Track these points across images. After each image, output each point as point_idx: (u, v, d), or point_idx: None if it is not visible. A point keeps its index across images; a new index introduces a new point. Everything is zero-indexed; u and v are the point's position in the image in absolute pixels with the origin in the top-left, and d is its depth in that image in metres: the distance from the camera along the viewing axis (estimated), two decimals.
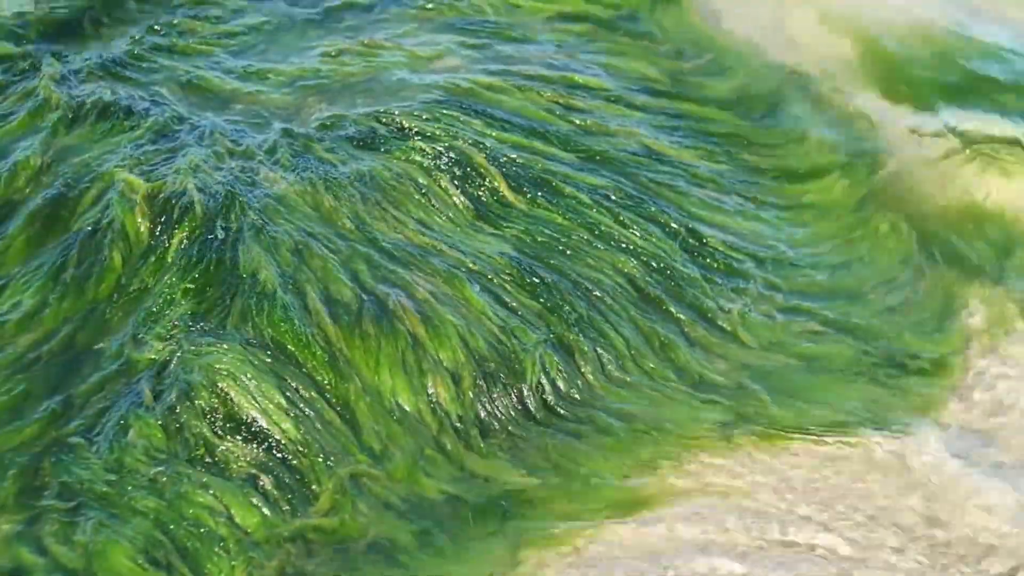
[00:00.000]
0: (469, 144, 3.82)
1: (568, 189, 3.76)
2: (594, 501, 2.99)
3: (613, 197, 3.77)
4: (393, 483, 2.99)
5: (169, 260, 3.39)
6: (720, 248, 3.72)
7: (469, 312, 3.34)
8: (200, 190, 3.54)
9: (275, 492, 2.92)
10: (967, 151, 4.24)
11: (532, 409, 3.21)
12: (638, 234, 3.69)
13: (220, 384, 3.06)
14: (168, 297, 3.30)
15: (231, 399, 3.05)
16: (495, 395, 3.21)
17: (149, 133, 3.83)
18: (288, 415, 3.04)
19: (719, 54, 4.66)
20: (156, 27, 4.47)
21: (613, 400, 3.27)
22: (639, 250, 3.64)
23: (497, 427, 3.17)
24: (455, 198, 3.69)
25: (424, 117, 3.91)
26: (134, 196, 3.51)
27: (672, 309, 3.52)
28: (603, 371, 3.33)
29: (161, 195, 3.53)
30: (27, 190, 3.64)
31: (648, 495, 3.00)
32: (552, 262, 3.55)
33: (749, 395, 3.30)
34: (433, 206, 3.66)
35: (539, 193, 3.74)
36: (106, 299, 3.33)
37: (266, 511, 2.88)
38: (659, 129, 4.15)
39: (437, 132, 3.84)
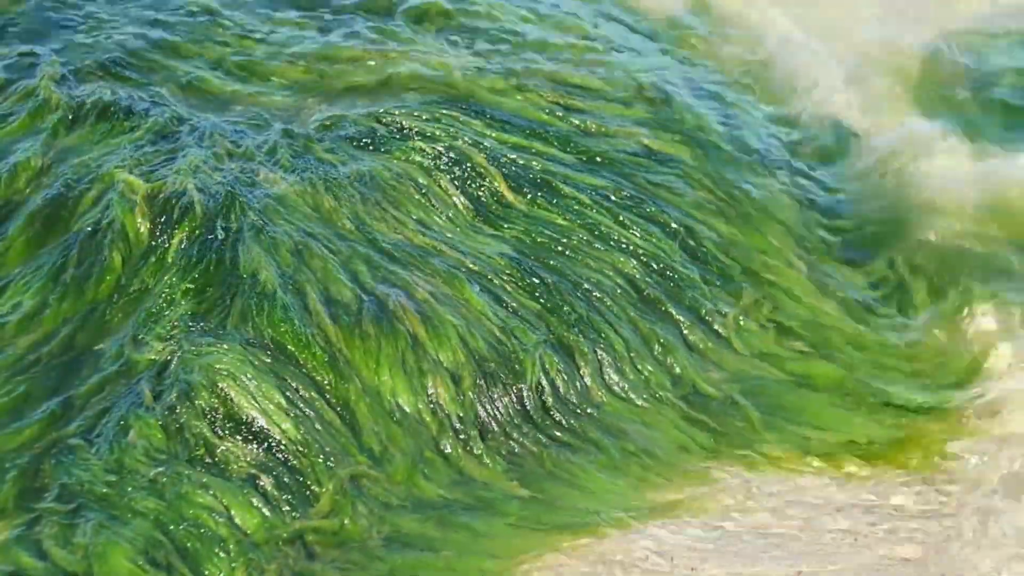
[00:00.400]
0: (469, 144, 3.82)
1: (568, 189, 3.76)
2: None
3: (613, 198, 3.77)
4: (393, 485, 2.99)
5: (169, 260, 3.38)
6: (716, 251, 3.73)
7: (469, 312, 3.34)
8: (200, 190, 3.53)
9: (275, 493, 2.92)
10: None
11: (531, 412, 3.21)
12: (638, 235, 3.69)
13: (220, 384, 3.05)
14: (168, 297, 3.29)
15: (231, 399, 3.04)
16: (495, 396, 3.21)
17: (149, 134, 3.82)
18: (288, 415, 3.04)
19: None
20: (156, 27, 4.46)
21: (608, 411, 3.27)
22: (639, 251, 3.64)
23: (496, 429, 3.17)
24: (455, 198, 3.69)
25: (424, 117, 3.90)
26: (134, 196, 3.50)
27: (671, 311, 3.53)
28: (601, 374, 3.33)
29: (161, 195, 3.52)
30: (27, 191, 3.64)
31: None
32: (552, 263, 3.55)
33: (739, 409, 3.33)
34: (433, 206, 3.66)
35: (539, 193, 3.74)
36: (106, 299, 3.33)
37: (266, 512, 2.88)
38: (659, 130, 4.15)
39: (437, 132, 3.84)
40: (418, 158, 3.76)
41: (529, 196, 3.73)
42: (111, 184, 3.55)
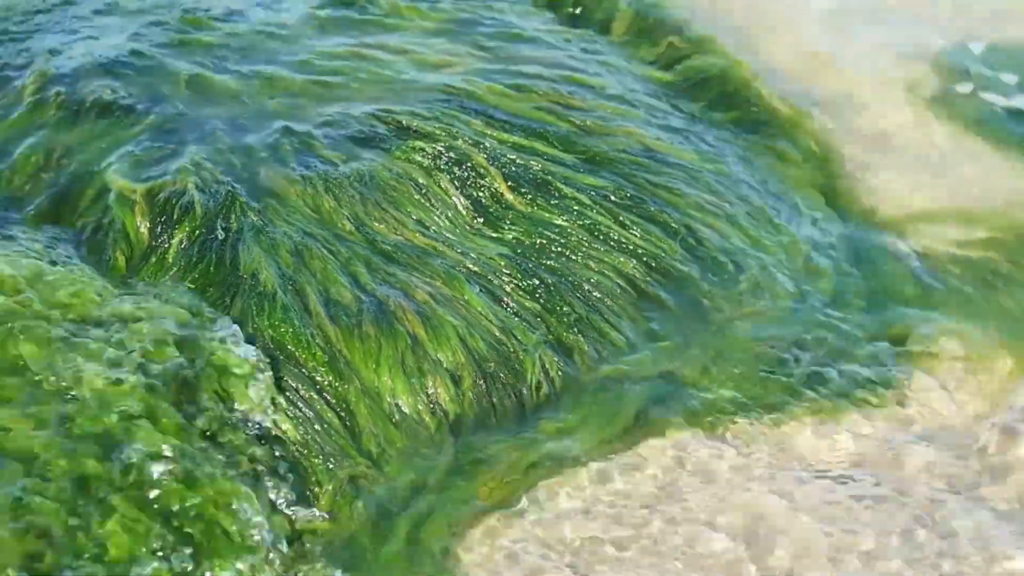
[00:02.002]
0: (469, 144, 3.81)
1: (568, 190, 3.76)
2: None
3: (613, 198, 3.78)
4: (391, 487, 3.00)
5: (169, 260, 3.39)
6: (715, 252, 3.73)
7: (469, 313, 3.35)
8: (200, 190, 3.53)
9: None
10: None
11: (529, 414, 3.22)
12: (638, 235, 3.69)
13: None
14: None
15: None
16: (495, 396, 3.21)
17: (149, 132, 3.83)
18: (288, 416, 3.04)
19: None
20: (157, 23, 4.46)
21: None
22: (639, 250, 3.65)
23: (495, 431, 3.18)
24: (455, 198, 3.70)
25: (424, 117, 3.90)
26: (134, 196, 3.51)
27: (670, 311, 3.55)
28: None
29: (161, 195, 3.52)
30: (27, 189, 3.64)
31: None
32: (551, 263, 3.55)
33: None
34: (433, 207, 3.66)
35: (539, 193, 3.75)
36: None
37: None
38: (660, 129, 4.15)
39: (437, 132, 3.84)
40: (418, 158, 3.76)
41: (529, 196, 3.73)
42: (111, 183, 3.56)
